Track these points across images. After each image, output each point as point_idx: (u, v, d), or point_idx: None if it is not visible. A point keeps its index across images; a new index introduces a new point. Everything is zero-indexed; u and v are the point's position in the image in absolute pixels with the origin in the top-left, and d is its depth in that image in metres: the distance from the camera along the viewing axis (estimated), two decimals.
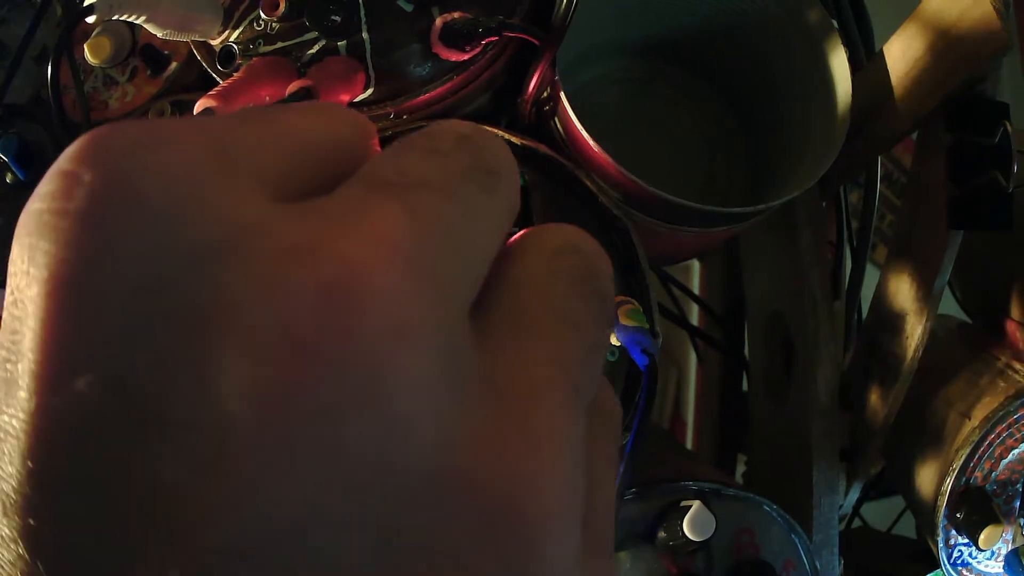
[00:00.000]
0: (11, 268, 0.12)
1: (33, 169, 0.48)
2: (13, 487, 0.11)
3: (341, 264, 0.12)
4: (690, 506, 0.37)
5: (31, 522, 0.11)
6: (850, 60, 0.42)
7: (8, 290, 0.12)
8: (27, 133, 0.48)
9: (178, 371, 0.11)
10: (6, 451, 0.11)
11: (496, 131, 0.39)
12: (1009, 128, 0.38)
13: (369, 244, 0.12)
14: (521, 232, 0.17)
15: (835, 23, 0.44)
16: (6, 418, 0.11)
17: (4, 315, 0.12)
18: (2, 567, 0.11)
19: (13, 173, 0.48)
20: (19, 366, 0.11)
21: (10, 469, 0.11)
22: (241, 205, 0.12)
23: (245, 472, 0.11)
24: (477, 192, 0.15)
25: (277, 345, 0.11)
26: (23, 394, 0.11)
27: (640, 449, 0.34)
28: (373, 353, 0.11)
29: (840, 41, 0.42)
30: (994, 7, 0.36)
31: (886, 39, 0.44)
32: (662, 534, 0.39)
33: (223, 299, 0.12)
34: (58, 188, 0.12)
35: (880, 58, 0.44)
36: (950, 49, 0.39)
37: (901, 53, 0.43)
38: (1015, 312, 0.46)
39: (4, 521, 0.11)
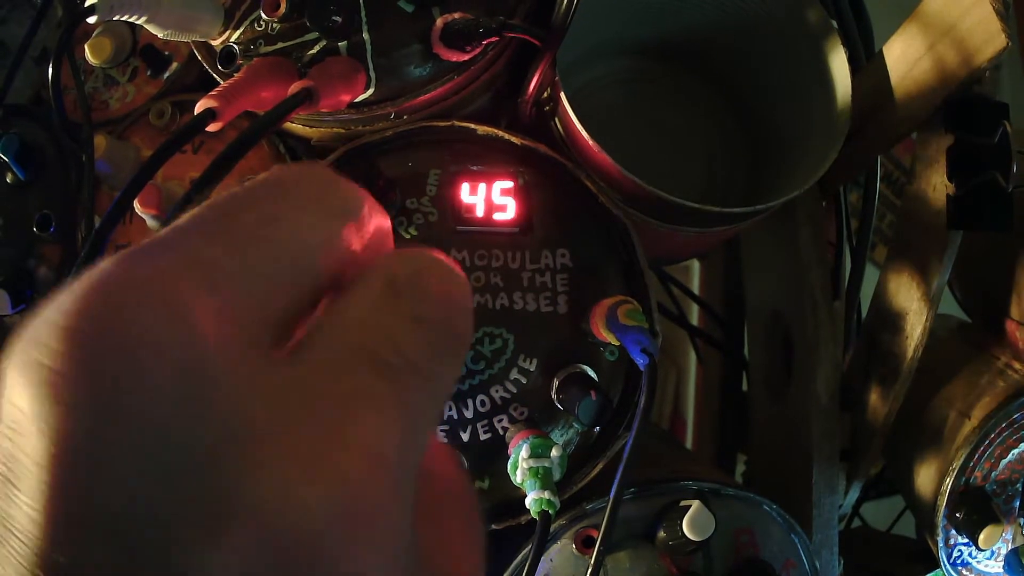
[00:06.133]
0: (8, 404, 0.12)
1: (33, 169, 0.48)
2: None
3: (338, 493, 0.13)
4: (690, 506, 0.37)
5: None
6: (850, 60, 0.42)
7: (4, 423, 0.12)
8: (27, 133, 0.48)
9: (170, 554, 0.12)
10: None
11: (496, 131, 0.39)
12: (1009, 128, 0.38)
13: (364, 461, 0.13)
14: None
15: (835, 23, 0.44)
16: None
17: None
18: None
19: (13, 173, 0.48)
20: (16, 517, 0.12)
21: None
22: (241, 385, 0.13)
23: None
24: (450, 371, 0.16)
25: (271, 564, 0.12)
26: (25, 550, 0.12)
27: (639, 449, 0.34)
28: None
29: (840, 41, 0.42)
30: (994, 8, 0.36)
31: (886, 39, 0.45)
32: (662, 534, 0.39)
33: (227, 498, 0.12)
34: (59, 352, 0.12)
35: (880, 58, 0.45)
36: (950, 49, 0.39)
37: (901, 53, 0.43)
38: (1015, 312, 0.46)
39: None
